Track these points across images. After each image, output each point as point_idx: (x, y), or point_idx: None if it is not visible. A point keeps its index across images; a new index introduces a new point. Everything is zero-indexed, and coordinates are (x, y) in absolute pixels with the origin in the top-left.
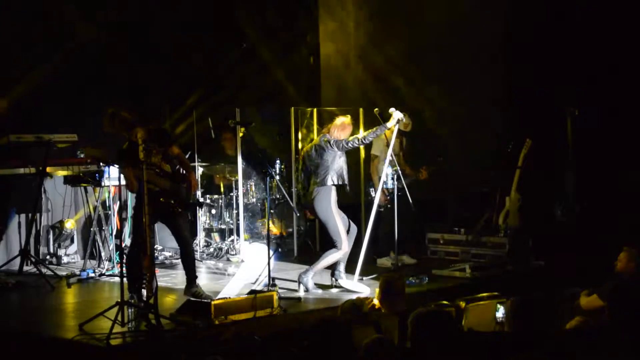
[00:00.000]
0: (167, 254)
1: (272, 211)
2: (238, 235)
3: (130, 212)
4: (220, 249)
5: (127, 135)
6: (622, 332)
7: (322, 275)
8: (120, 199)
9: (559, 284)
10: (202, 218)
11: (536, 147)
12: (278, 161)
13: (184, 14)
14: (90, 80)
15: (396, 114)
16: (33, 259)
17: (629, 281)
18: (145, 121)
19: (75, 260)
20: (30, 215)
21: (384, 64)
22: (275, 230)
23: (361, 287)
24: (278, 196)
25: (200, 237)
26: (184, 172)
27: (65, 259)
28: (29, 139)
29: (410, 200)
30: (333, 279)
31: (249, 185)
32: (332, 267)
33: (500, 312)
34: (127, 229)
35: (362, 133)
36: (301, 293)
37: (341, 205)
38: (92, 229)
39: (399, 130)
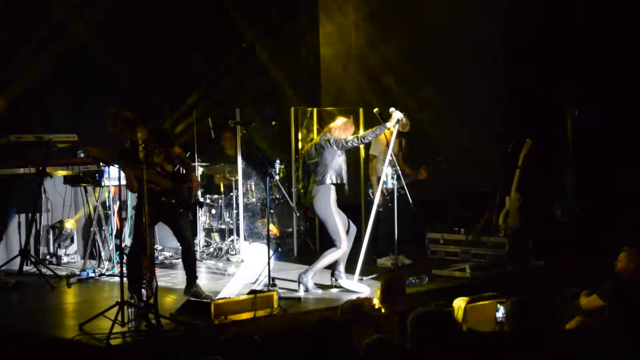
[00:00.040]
0: (167, 254)
1: (272, 211)
2: (238, 235)
3: (130, 212)
4: (220, 249)
5: (129, 134)
6: (622, 332)
7: (322, 275)
8: (120, 199)
9: (559, 284)
10: (202, 218)
11: (536, 147)
12: (278, 161)
13: (184, 14)
14: (90, 80)
15: (396, 114)
16: (33, 259)
17: (629, 281)
18: (146, 121)
19: (75, 260)
20: (30, 215)
21: (383, 64)
22: (273, 230)
23: (361, 287)
24: (278, 196)
25: (200, 237)
26: (184, 172)
27: (65, 259)
28: (29, 139)
29: (411, 200)
30: (333, 279)
31: (249, 185)
32: (332, 267)
33: (500, 312)
34: (127, 229)
35: (361, 132)
36: (301, 293)
37: (341, 205)
38: (92, 229)
39: (397, 130)
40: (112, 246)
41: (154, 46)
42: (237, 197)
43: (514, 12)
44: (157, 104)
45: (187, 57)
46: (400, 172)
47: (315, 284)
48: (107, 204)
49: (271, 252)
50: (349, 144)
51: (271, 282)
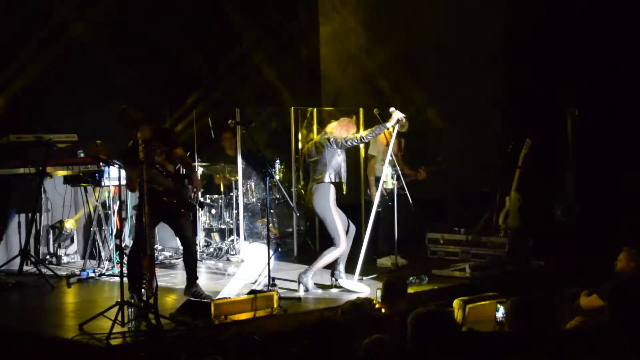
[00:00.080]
0: (167, 254)
1: (272, 211)
2: (238, 235)
3: (130, 212)
4: (220, 249)
5: (134, 133)
6: (622, 332)
7: (322, 275)
8: (120, 199)
9: (559, 284)
10: (202, 218)
11: (536, 147)
12: (278, 161)
13: (184, 14)
14: (90, 80)
15: (396, 114)
16: (33, 259)
17: (629, 281)
18: (149, 121)
19: (75, 260)
20: (30, 215)
21: (383, 64)
22: (272, 230)
23: (361, 287)
24: (278, 196)
25: (200, 237)
26: (184, 172)
27: (65, 259)
28: (29, 139)
29: (411, 200)
30: (333, 279)
31: (249, 185)
32: (332, 267)
33: (500, 312)
34: (127, 229)
35: (361, 132)
36: (301, 293)
37: (341, 205)
38: (92, 229)
39: (397, 130)
40: (112, 246)
41: (154, 46)
42: (237, 197)
43: (514, 12)
44: (157, 104)
45: (187, 57)
46: (400, 172)
47: (315, 284)
48: (107, 204)
49: (271, 252)
50: (349, 143)
51: (271, 282)
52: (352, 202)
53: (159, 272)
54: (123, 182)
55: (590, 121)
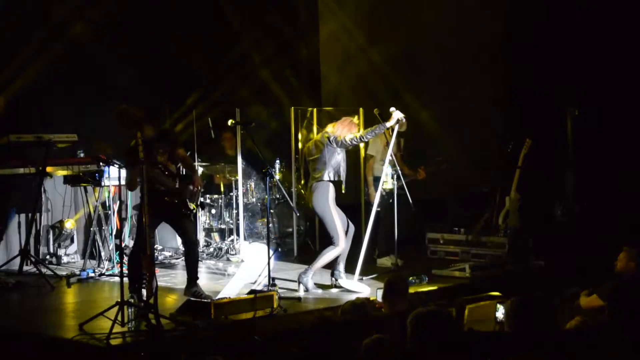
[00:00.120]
0: (167, 253)
1: (272, 211)
2: (238, 235)
3: (130, 212)
4: (220, 249)
5: (135, 133)
6: (622, 332)
7: (322, 275)
8: (120, 199)
9: (559, 284)
10: (202, 218)
11: (536, 147)
12: (278, 161)
13: (184, 14)
14: (90, 80)
15: (396, 114)
16: (33, 259)
17: (629, 281)
18: (150, 120)
19: (75, 260)
20: (30, 215)
21: (383, 64)
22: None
23: (361, 287)
24: (278, 196)
25: (200, 237)
26: (185, 172)
27: (65, 259)
28: (29, 139)
29: (411, 200)
30: (333, 279)
31: (248, 185)
32: (332, 267)
33: (500, 312)
34: (126, 229)
35: (361, 131)
36: (301, 293)
37: (340, 205)
38: (92, 229)
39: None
40: (112, 246)
41: (154, 46)
42: (237, 197)
43: (514, 12)
44: (157, 104)
45: (187, 57)
46: (400, 172)
47: (315, 284)
48: (107, 204)
49: (271, 252)
50: (349, 141)
51: (271, 282)
52: (352, 202)
53: (159, 272)
54: (123, 182)
55: (590, 121)
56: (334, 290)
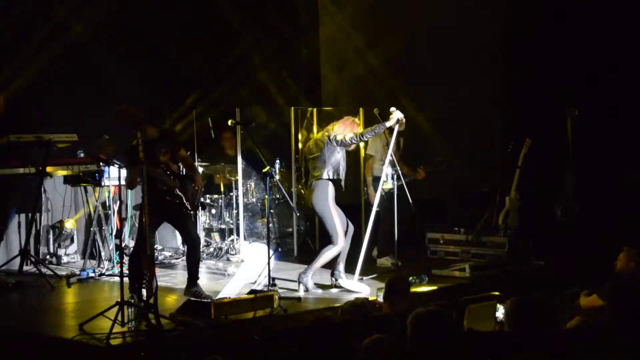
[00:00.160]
0: (167, 253)
1: (272, 211)
2: (238, 235)
3: (130, 212)
4: (220, 249)
5: (135, 132)
6: (622, 332)
7: (322, 275)
8: (120, 199)
9: (559, 284)
10: (202, 218)
11: (536, 147)
12: (278, 161)
13: (184, 14)
14: (90, 80)
15: (396, 114)
16: (33, 259)
17: (629, 281)
18: (151, 120)
19: (75, 260)
20: (30, 215)
21: (383, 64)
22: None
23: (361, 287)
24: (278, 196)
25: (200, 237)
26: (185, 172)
27: (65, 259)
28: (29, 139)
29: (410, 201)
30: (333, 279)
31: (248, 185)
32: (332, 267)
33: (500, 312)
34: (126, 229)
35: (361, 130)
36: (301, 293)
37: (340, 205)
38: (92, 228)
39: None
40: (112, 246)
41: (154, 46)
42: (237, 197)
43: (514, 12)
44: (157, 104)
45: (187, 57)
46: (400, 171)
47: (315, 284)
48: (107, 204)
49: (271, 252)
50: (348, 140)
51: (271, 282)
52: (352, 202)
53: (159, 272)
54: (123, 181)
55: (590, 121)
56: (334, 290)
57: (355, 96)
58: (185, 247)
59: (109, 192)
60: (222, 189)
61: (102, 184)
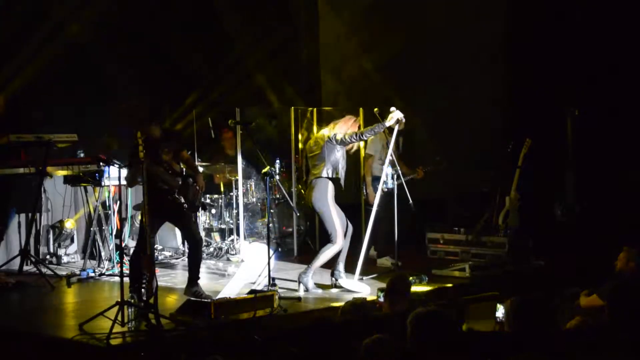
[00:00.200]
0: (167, 253)
1: (272, 211)
2: (238, 235)
3: (130, 212)
4: (220, 248)
5: (135, 131)
6: (622, 332)
7: (322, 275)
8: (120, 199)
9: (559, 284)
10: (202, 218)
11: (536, 147)
12: (278, 161)
13: (184, 14)
14: (90, 80)
15: (396, 114)
16: (33, 259)
17: (629, 281)
18: (150, 120)
19: (75, 260)
20: (30, 215)
21: (383, 64)
22: None
23: (361, 287)
24: (278, 196)
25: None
26: (185, 172)
27: (65, 259)
28: (29, 138)
29: (411, 201)
30: (333, 279)
31: (248, 185)
32: (332, 267)
33: (500, 312)
34: (126, 229)
35: (361, 129)
36: (301, 293)
37: (340, 205)
38: (92, 228)
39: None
40: (112, 246)
41: (154, 46)
42: (237, 197)
43: (514, 12)
44: (157, 104)
45: (186, 57)
46: (399, 171)
47: (315, 284)
48: (107, 204)
49: (271, 252)
50: (348, 139)
51: (271, 282)
52: (352, 202)
53: (159, 272)
54: (123, 181)
55: (590, 121)
56: (334, 290)
57: (355, 96)
58: (187, 246)
59: (109, 192)
60: (222, 189)
61: (102, 184)
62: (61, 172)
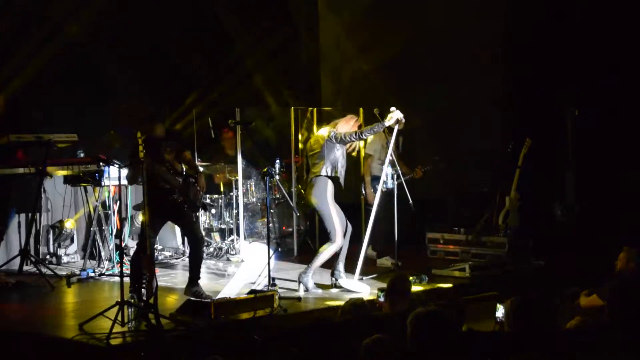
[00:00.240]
0: (167, 253)
1: (272, 211)
2: (238, 235)
3: (130, 212)
4: (220, 248)
5: (135, 131)
6: (622, 332)
7: (322, 275)
8: (120, 199)
9: (559, 284)
10: (202, 218)
11: (536, 147)
12: (278, 160)
13: (184, 14)
14: (90, 80)
15: (396, 114)
16: (33, 259)
17: (629, 281)
18: (154, 119)
19: (75, 260)
20: (30, 215)
21: (383, 64)
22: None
23: (361, 287)
24: (278, 196)
25: None
26: (191, 173)
27: (65, 259)
28: (29, 138)
29: (411, 201)
30: (333, 279)
31: (248, 185)
32: (332, 267)
33: (500, 312)
34: (126, 229)
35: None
36: (301, 293)
37: (340, 205)
38: (92, 228)
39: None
40: (112, 246)
41: (154, 46)
42: (237, 197)
43: (514, 12)
44: (157, 104)
45: (186, 57)
46: (399, 171)
47: (315, 284)
48: (107, 204)
49: (271, 252)
50: (347, 138)
51: (271, 282)
52: (352, 202)
53: (159, 272)
54: (123, 181)
55: (590, 121)
56: (334, 290)
57: (355, 96)
58: (188, 246)
59: (109, 192)
60: (222, 189)
61: (102, 183)
62: (61, 172)
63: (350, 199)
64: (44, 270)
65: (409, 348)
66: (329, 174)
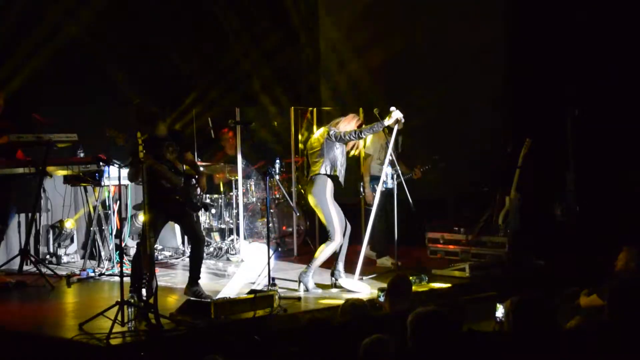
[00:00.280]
0: (167, 253)
1: (272, 211)
2: (238, 234)
3: (130, 212)
4: (220, 248)
5: (143, 129)
6: (622, 332)
7: (322, 275)
8: (120, 199)
9: (559, 284)
10: (202, 218)
11: (536, 147)
12: (278, 160)
13: (184, 14)
14: (90, 80)
15: (395, 113)
16: (33, 259)
17: (629, 281)
18: (158, 117)
19: (75, 260)
20: (30, 215)
21: (383, 64)
22: None
23: (361, 287)
24: (278, 196)
25: None
26: (192, 173)
27: (65, 259)
28: (29, 138)
29: (411, 201)
30: (333, 278)
31: (248, 185)
32: (332, 267)
33: (500, 312)
34: (126, 229)
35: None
36: (301, 293)
37: (340, 205)
38: (92, 228)
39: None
40: (112, 246)
41: (154, 46)
42: (237, 196)
43: (514, 12)
44: (157, 104)
45: (186, 57)
46: (399, 171)
47: (315, 284)
48: (107, 204)
49: (271, 252)
50: (347, 136)
51: (271, 282)
52: (352, 202)
53: (159, 272)
54: (123, 181)
55: (590, 121)
56: (334, 290)
57: (355, 96)
58: (189, 245)
59: (109, 191)
60: (222, 189)
61: (102, 183)
62: (61, 172)
63: (351, 199)
64: (44, 270)
65: (409, 348)
66: (328, 173)
